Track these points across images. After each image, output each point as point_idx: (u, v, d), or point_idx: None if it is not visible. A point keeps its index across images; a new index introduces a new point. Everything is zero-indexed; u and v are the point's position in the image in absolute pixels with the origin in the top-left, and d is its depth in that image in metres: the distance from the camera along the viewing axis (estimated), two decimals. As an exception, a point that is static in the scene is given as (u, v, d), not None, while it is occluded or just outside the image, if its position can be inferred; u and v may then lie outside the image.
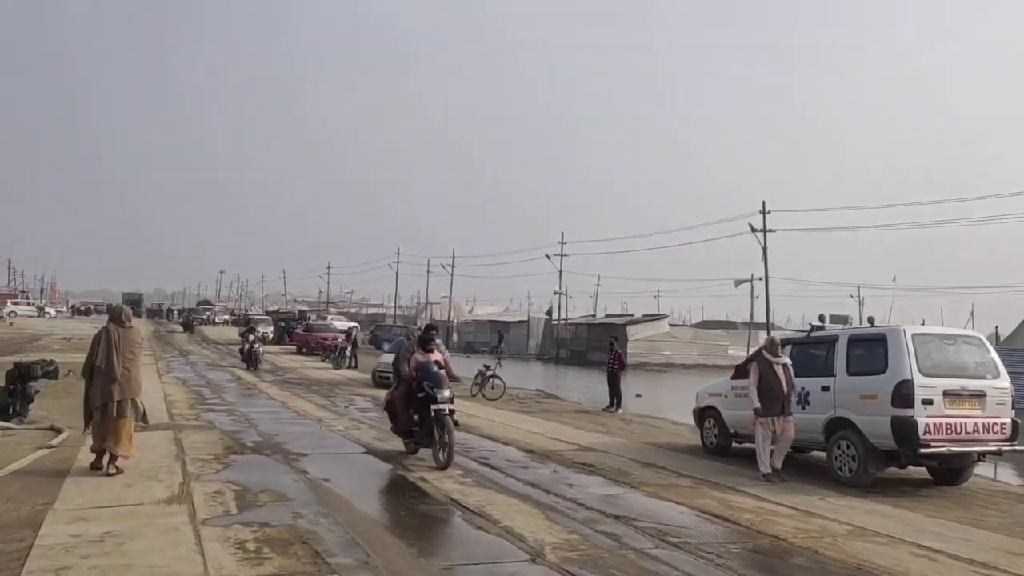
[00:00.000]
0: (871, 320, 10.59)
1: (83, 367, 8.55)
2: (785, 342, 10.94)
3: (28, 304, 76.15)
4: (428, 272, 76.63)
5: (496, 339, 57.45)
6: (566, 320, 51.79)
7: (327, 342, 38.00)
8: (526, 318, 58.47)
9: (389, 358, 23.01)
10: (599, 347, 49.22)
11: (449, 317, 66.26)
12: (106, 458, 8.17)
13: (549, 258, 51.18)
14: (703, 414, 12.16)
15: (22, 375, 11.96)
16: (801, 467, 10.92)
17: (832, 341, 9.91)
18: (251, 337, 27.55)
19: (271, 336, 48.55)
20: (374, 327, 53.31)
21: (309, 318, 55.63)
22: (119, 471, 8.14)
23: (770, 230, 35.55)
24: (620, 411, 18.00)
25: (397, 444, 11.23)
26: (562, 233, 53.18)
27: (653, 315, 50.61)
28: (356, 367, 30.52)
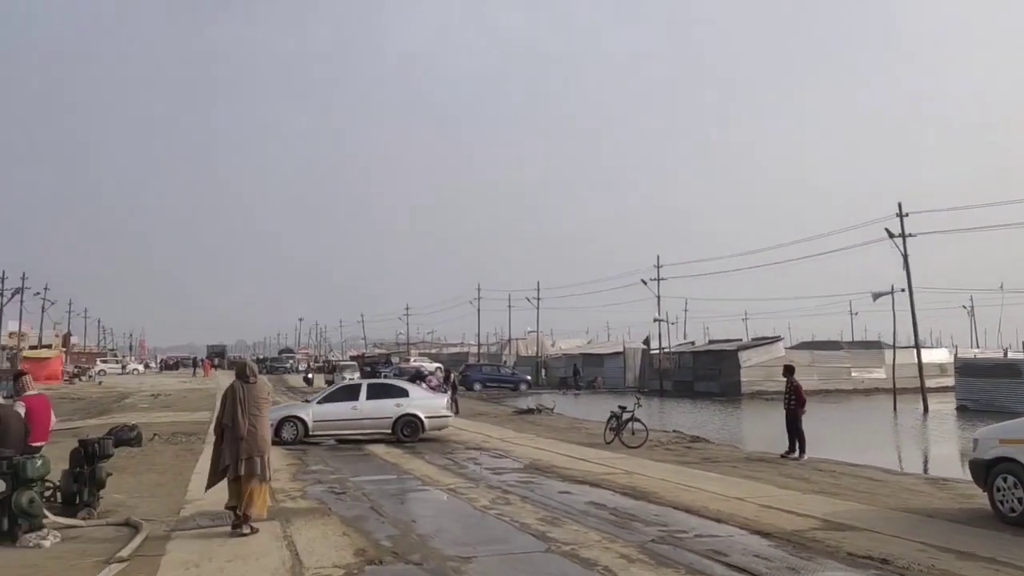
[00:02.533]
0: None
1: (214, 426, 8.69)
2: None
3: (116, 362, 76.57)
4: (510, 307, 74.15)
5: (571, 371, 53.63)
6: (668, 349, 48.03)
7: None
8: (621, 349, 54.87)
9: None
10: (706, 376, 45.36)
11: (537, 352, 63.19)
12: (240, 516, 8.09)
13: (645, 283, 47.73)
14: (991, 468, 8.76)
15: (89, 455, 9.43)
16: None
17: None
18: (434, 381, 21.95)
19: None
20: (463, 367, 50.63)
21: (394, 361, 53.62)
22: (254, 531, 8.03)
23: (910, 235, 31.44)
24: (805, 457, 14.54)
25: (578, 531, 8.20)
26: (658, 256, 49.70)
27: (766, 338, 46.35)
28: (458, 413, 27.72)
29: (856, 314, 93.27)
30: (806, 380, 43.30)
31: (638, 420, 17.59)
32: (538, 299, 61.88)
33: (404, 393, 18.70)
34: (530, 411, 28.21)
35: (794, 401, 14.90)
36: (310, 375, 53.82)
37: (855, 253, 39.12)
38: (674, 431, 21.08)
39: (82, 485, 9.28)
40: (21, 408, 9.15)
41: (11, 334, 56.56)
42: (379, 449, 16.92)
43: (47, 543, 7.72)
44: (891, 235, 31.83)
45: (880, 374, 46.04)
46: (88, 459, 9.41)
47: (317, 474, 13.10)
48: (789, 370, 15.60)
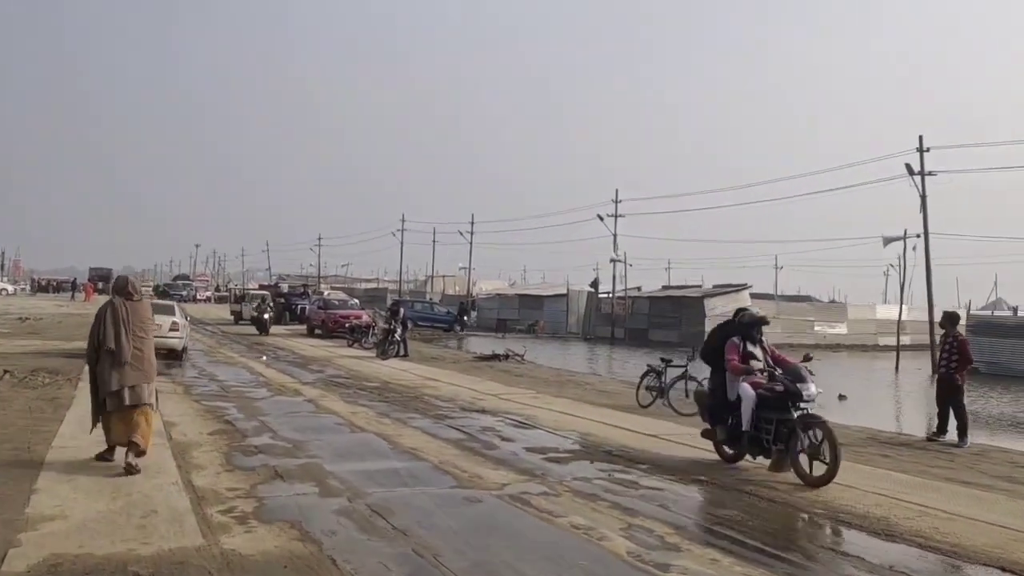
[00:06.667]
0: None
1: (87, 350, 7.18)
2: None
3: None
4: (434, 241, 68.87)
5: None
6: (624, 293, 43.98)
7: (350, 322, 30.63)
8: (564, 291, 50.71)
9: None
10: (664, 324, 41.55)
11: (468, 291, 58.28)
12: (124, 451, 6.74)
13: (602, 219, 43.32)
14: None
15: None
16: None
17: None
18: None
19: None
20: (394, 303, 45.35)
21: (314, 294, 47.69)
22: (136, 469, 6.53)
23: (929, 173, 27.79)
24: (967, 444, 10.30)
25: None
26: (616, 191, 45.15)
27: (732, 286, 42.83)
28: (407, 355, 22.81)
29: (781, 268, 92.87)
30: (772, 333, 40.63)
31: (694, 378, 13.16)
32: (471, 233, 56.84)
33: None
34: (496, 357, 23.52)
35: (955, 363, 10.54)
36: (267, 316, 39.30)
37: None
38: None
39: None
40: None
41: None
42: (337, 406, 11.87)
43: None
44: (911, 172, 27.96)
45: (842, 329, 43.85)
46: None
47: (266, 455, 7.97)
48: (951, 319, 10.99)
